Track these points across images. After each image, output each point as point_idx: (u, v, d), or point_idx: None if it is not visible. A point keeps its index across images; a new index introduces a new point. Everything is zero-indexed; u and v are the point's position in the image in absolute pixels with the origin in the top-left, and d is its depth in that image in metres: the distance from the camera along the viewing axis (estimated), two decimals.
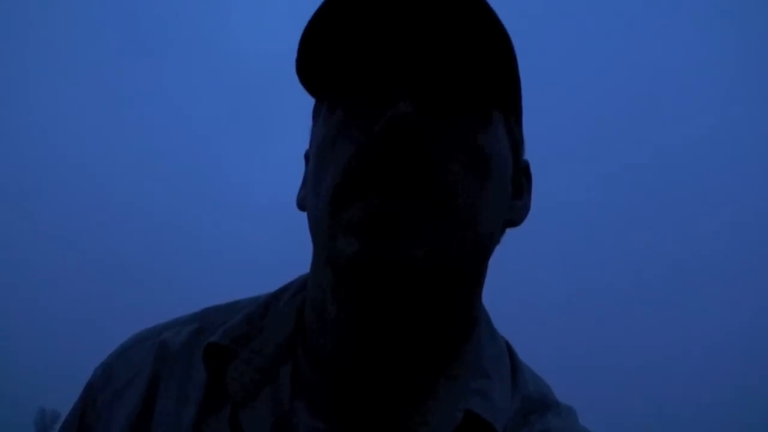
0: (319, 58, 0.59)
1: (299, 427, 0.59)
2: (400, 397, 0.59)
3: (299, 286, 0.68)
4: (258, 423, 0.59)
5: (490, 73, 0.58)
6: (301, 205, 0.65)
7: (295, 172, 0.70)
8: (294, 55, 0.59)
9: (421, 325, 0.59)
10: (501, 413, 0.59)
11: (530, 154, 0.69)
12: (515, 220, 0.66)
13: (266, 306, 0.67)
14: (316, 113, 0.64)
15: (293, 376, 0.62)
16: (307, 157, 0.66)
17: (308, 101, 0.66)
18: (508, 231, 0.66)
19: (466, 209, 0.57)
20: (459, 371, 0.60)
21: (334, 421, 0.59)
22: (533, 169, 0.70)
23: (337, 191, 0.56)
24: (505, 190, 0.63)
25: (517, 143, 0.65)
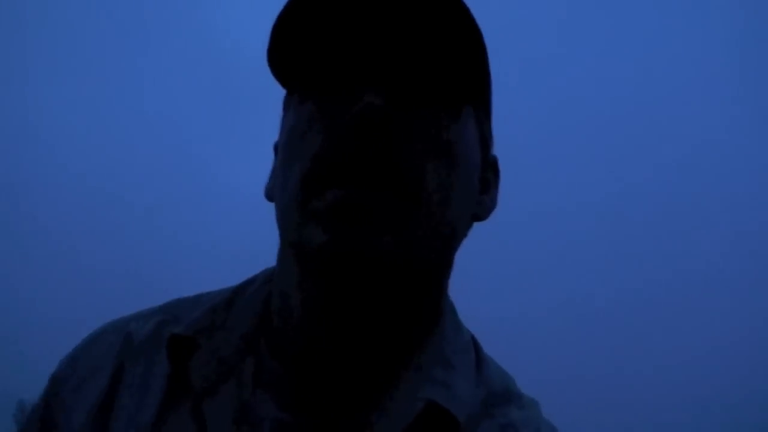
0: (291, 49, 0.59)
1: (262, 418, 0.59)
2: (362, 388, 0.60)
3: (265, 279, 0.68)
4: (220, 415, 0.59)
5: (461, 69, 0.58)
6: (269, 196, 0.65)
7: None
8: None
9: (385, 317, 0.59)
10: (463, 404, 0.59)
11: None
12: (481, 215, 0.66)
13: (231, 298, 0.67)
14: (287, 104, 0.64)
15: (257, 367, 0.62)
16: (276, 147, 0.66)
17: None
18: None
19: (434, 202, 0.57)
20: (422, 362, 0.61)
21: (297, 412, 0.59)
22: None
23: (306, 181, 0.56)
24: (473, 185, 0.63)
25: (486, 139, 0.65)
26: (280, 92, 0.66)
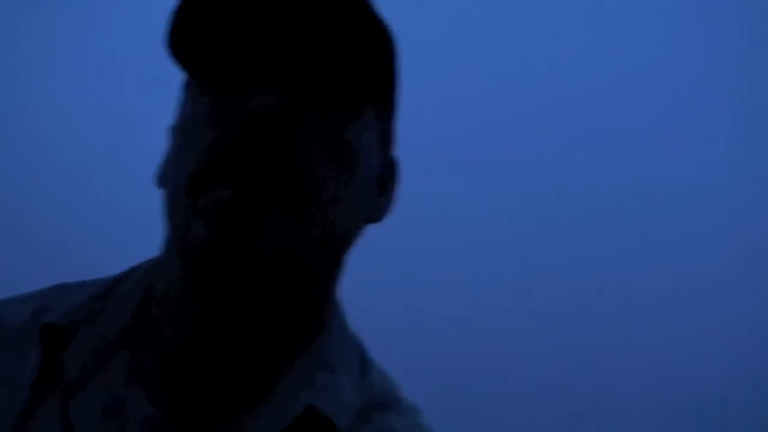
0: (190, 36, 0.56)
1: (131, 414, 0.57)
2: (241, 389, 0.58)
3: (148, 268, 0.65)
4: (88, 409, 0.57)
5: (364, 68, 0.57)
6: (159, 183, 0.62)
7: None
8: None
9: (267, 319, 0.58)
10: (343, 408, 0.58)
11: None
12: (376, 217, 0.65)
13: (112, 287, 0.65)
14: (185, 87, 0.62)
15: (132, 361, 0.60)
16: (171, 130, 0.63)
17: None
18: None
19: (325, 203, 0.55)
20: (305, 365, 0.60)
21: (170, 410, 0.58)
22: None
23: (195, 177, 0.54)
24: (369, 186, 0.61)
25: (387, 139, 0.64)
26: None
